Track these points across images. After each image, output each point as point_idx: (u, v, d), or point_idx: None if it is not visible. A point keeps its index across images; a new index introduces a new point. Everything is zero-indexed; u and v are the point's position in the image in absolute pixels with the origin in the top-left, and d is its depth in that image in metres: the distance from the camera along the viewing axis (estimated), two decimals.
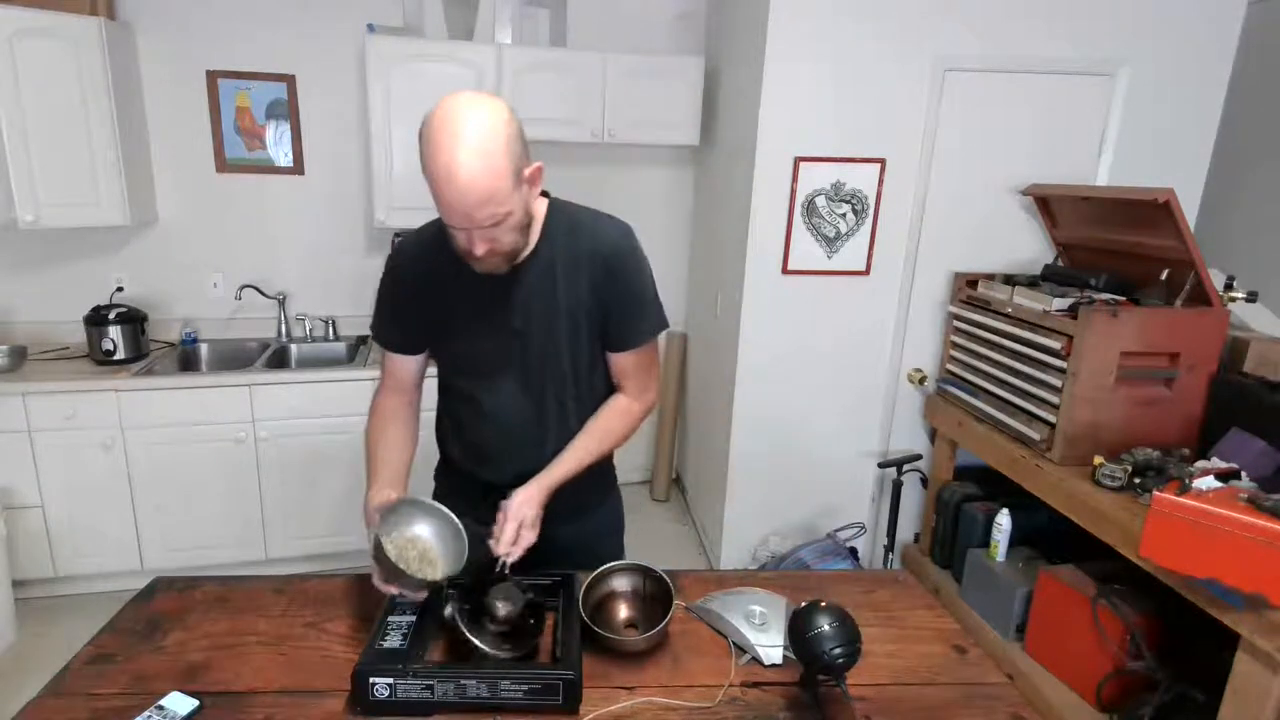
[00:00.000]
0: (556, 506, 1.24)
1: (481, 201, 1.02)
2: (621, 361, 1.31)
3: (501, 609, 1.10)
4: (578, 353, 1.27)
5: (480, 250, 1.08)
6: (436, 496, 1.46)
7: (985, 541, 2.40)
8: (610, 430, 1.31)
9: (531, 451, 1.28)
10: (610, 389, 1.34)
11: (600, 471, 1.37)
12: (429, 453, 1.46)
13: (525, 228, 1.14)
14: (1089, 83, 2.58)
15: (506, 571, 1.14)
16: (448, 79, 2.85)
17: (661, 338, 1.34)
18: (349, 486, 2.88)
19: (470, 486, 1.36)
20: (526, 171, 1.09)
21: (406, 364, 1.34)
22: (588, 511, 1.41)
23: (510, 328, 1.23)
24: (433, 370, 1.39)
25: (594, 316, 1.25)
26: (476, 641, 1.04)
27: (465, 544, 1.16)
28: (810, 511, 2.99)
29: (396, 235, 3.00)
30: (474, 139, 1.00)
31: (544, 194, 1.24)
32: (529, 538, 1.17)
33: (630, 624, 1.23)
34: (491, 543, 1.16)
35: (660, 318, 1.31)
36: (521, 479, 1.23)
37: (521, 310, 1.22)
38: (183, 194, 3.03)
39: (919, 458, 2.74)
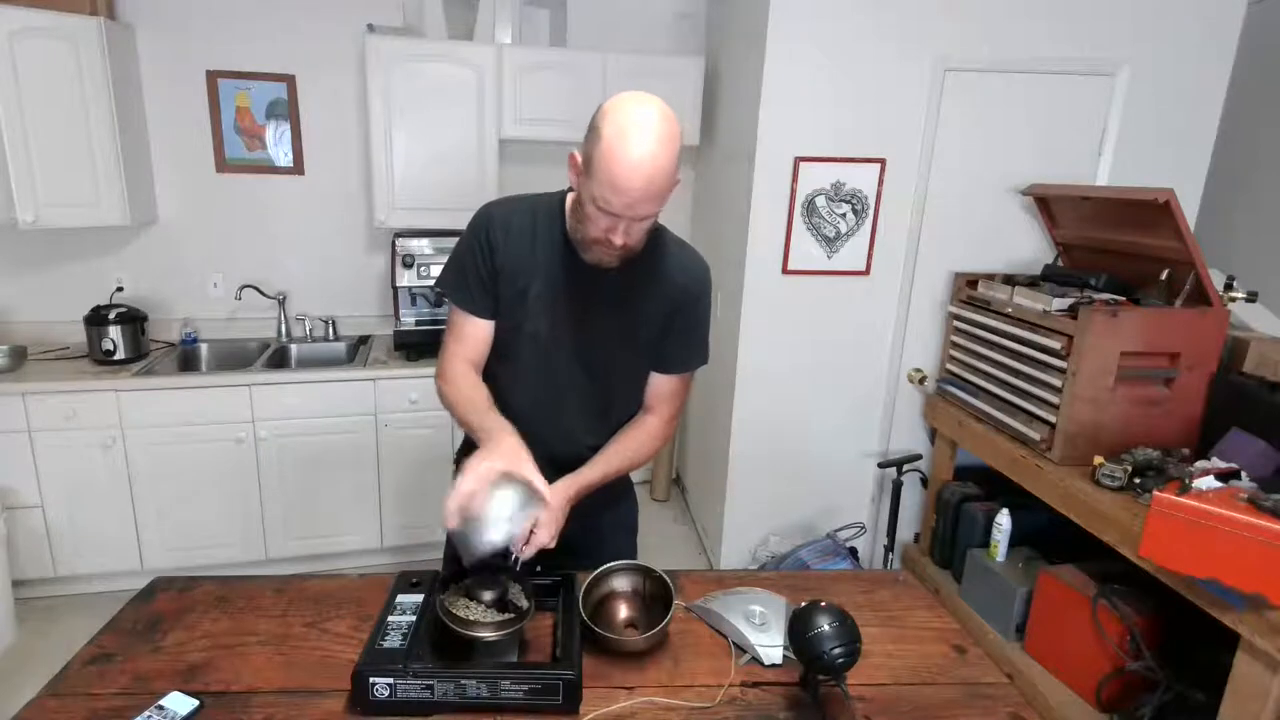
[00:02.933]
0: (575, 504, 1.26)
1: (651, 196, 1.08)
2: (663, 384, 1.36)
3: (487, 595, 1.10)
4: (633, 362, 1.33)
5: (619, 240, 1.13)
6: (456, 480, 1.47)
7: (985, 541, 2.40)
8: (640, 448, 1.36)
9: (560, 443, 1.31)
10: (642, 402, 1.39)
11: None
12: (442, 448, 1.46)
13: (650, 231, 1.19)
14: (1089, 83, 2.58)
15: (516, 568, 1.15)
16: (448, 79, 2.85)
17: None
18: (349, 486, 2.88)
19: None
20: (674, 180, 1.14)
21: (481, 330, 1.31)
22: (604, 509, 1.42)
23: (579, 316, 1.27)
24: None
25: (659, 336, 1.31)
26: (462, 631, 1.04)
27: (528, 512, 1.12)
28: (810, 511, 2.99)
29: (396, 235, 3.00)
30: (664, 140, 1.07)
31: None
32: (543, 537, 1.16)
33: (630, 624, 1.23)
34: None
35: (706, 353, 1.38)
36: (549, 465, 1.23)
37: (595, 305, 1.26)
38: (183, 194, 3.03)
39: (919, 458, 2.74)
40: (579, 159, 1.13)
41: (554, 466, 1.27)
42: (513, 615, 1.09)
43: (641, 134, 1.06)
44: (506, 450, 1.12)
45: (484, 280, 1.27)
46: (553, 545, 1.18)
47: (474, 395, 1.27)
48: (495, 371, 1.34)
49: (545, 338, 1.28)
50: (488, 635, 1.06)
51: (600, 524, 1.41)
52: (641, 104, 1.09)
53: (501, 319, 1.30)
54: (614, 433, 1.36)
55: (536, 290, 1.26)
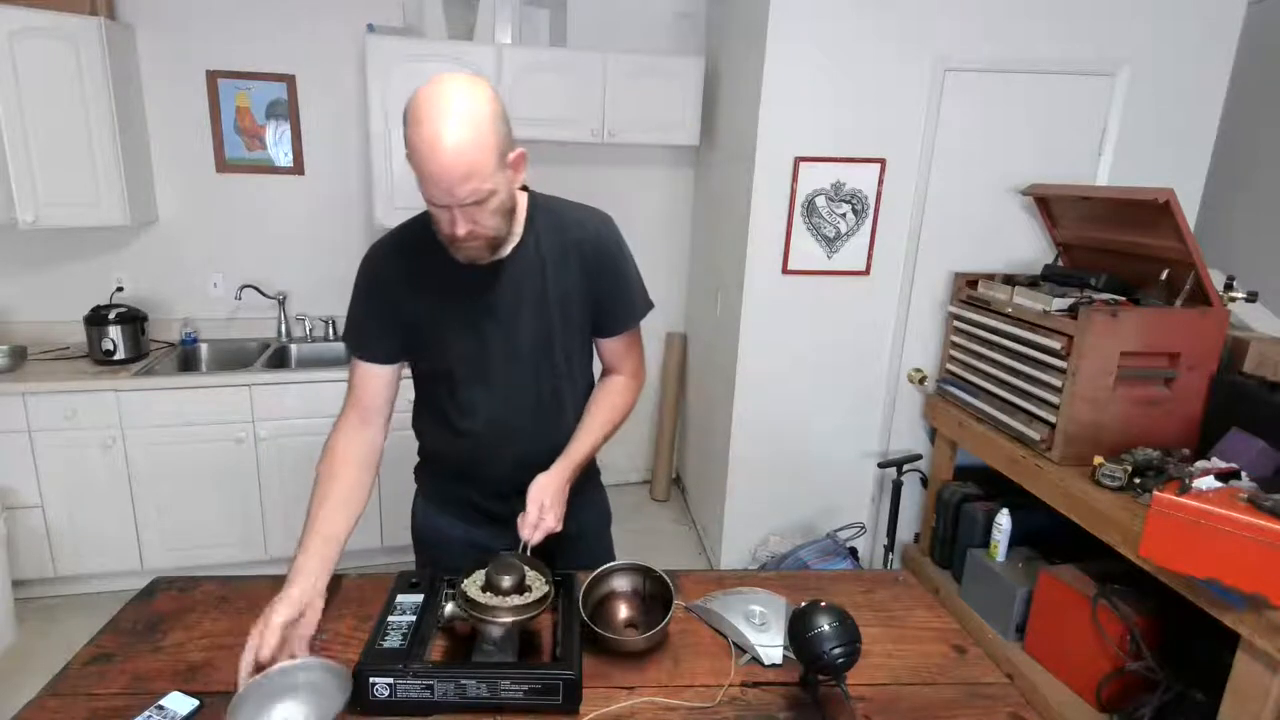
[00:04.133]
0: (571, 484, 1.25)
1: (465, 176, 1.01)
2: (614, 346, 1.33)
3: (505, 581, 1.08)
4: (569, 341, 1.27)
5: (462, 231, 1.06)
6: (419, 498, 1.45)
7: (985, 541, 2.40)
8: (616, 406, 1.33)
9: (528, 445, 1.27)
10: (592, 373, 1.36)
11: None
12: (401, 454, 1.46)
13: (508, 213, 1.13)
14: (1089, 83, 2.58)
15: (527, 554, 1.15)
16: None
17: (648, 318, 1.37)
18: None
19: (457, 489, 1.35)
20: (510, 156, 1.09)
21: (378, 378, 1.28)
22: (576, 509, 1.36)
23: (500, 321, 1.22)
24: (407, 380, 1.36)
25: (584, 305, 1.26)
26: (485, 618, 1.04)
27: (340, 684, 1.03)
28: (810, 511, 2.99)
29: None
30: (460, 112, 1.00)
31: (523, 188, 1.24)
32: (549, 521, 1.17)
33: (630, 624, 1.22)
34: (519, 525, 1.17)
35: (646, 299, 1.33)
36: (521, 471, 1.22)
37: (510, 303, 1.21)
38: (183, 194, 3.03)
39: (919, 458, 2.74)
40: None
41: (536, 473, 1.22)
42: (534, 599, 1.07)
43: (435, 117, 0.98)
44: (295, 597, 1.09)
45: (381, 321, 1.24)
46: (559, 529, 1.18)
47: (326, 487, 1.21)
48: (443, 406, 1.29)
49: (471, 352, 1.23)
50: (508, 619, 1.04)
51: (575, 521, 1.34)
52: (436, 86, 1.01)
53: (420, 351, 1.27)
54: (580, 416, 1.32)
55: (445, 308, 1.22)
